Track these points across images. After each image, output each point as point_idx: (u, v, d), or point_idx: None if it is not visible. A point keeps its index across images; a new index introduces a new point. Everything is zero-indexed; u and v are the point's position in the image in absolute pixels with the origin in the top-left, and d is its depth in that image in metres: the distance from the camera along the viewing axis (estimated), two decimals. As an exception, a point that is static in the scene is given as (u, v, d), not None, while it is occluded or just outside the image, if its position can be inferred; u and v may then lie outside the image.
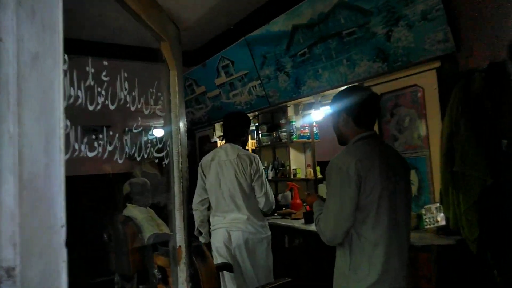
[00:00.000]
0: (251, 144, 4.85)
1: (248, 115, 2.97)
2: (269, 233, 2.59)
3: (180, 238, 1.30)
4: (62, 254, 0.65)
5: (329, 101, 3.24)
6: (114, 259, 3.54)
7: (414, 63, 2.48)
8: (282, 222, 3.07)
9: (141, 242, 3.29)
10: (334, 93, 3.27)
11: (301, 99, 3.44)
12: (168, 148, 1.29)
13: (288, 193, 3.59)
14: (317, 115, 3.32)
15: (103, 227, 3.63)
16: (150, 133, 1.32)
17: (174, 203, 1.26)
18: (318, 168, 3.57)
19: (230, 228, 2.52)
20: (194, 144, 5.27)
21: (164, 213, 4.93)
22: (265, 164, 3.89)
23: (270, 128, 3.86)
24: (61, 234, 0.66)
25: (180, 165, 1.25)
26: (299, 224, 2.93)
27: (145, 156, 1.23)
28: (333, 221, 1.46)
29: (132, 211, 3.48)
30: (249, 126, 2.74)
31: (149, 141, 1.30)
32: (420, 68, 2.48)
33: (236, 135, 2.62)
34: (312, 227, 2.76)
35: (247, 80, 3.82)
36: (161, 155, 1.38)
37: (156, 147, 1.35)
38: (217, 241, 2.57)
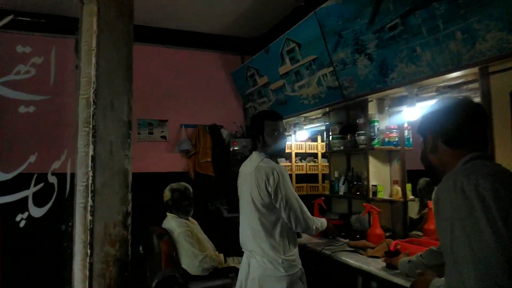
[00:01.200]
0: (320, 147, 4.03)
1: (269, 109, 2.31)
2: (295, 271, 2.01)
3: None
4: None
5: (430, 93, 2.29)
6: (148, 275, 3.07)
7: None
8: (353, 260, 2.22)
9: (173, 262, 2.72)
10: (438, 82, 2.33)
11: (388, 91, 2.52)
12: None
13: (366, 216, 2.70)
14: (411, 113, 2.37)
15: (140, 238, 3.18)
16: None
17: (73, 247, 0.60)
18: (408, 186, 2.62)
19: (249, 256, 2.15)
20: (256, 144, 4.60)
21: (215, 221, 4.36)
22: (336, 175, 3.04)
23: (344, 129, 3.00)
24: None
25: (89, 216, 0.58)
26: (377, 267, 2.06)
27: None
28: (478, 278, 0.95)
29: (171, 222, 2.92)
30: (258, 127, 2.15)
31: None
32: None
33: (253, 140, 2.22)
34: (398, 279, 1.88)
35: (316, 67, 3.00)
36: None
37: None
38: (241, 268, 2.26)
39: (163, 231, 2.78)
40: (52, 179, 0.72)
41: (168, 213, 3.00)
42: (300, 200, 2.03)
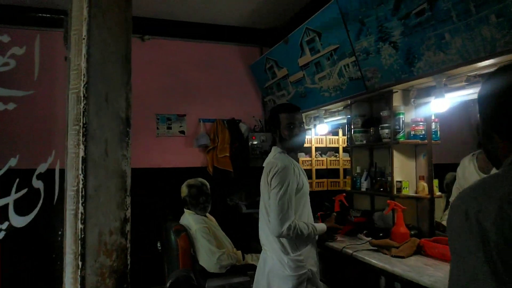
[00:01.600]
0: (341, 141, 3.90)
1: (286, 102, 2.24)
2: (302, 272, 1.95)
3: None
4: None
5: (460, 83, 2.14)
6: (166, 271, 3.05)
7: None
8: (376, 260, 2.11)
9: (191, 259, 2.69)
10: (469, 70, 2.17)
11: (414, 81, 2.38)
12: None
13: (389, 214, 2.58)
14: (439, 105, 2.23)
15: (158, 234, 3.16)
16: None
17: (64, 258, 0.54)
18: (435, 182, 2.48)
19: (264, 251, 2.13)
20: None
21: (234, 217, 4.31)
22: (358, 170, 2.92)
23: (366, 122, 2.86)
24: None
25: (81, 225, 0.51)
26: (402, 268, 1.94)
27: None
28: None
29: (188, 219, 2.89)
30: (275, 121, 2.12)
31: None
32: None
33: (272, 135, 2.20)
34: (424, 280, 1.76)
35: (337, 58, 2.88)
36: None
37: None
38: (258, 263, 2.22)
39: (181, 227, 2.75)
40: (38, 184, 0.66)
41: (185, 209, 2.96)
42: (286, 200, 1.91)
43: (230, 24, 4.30)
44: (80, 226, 0.50)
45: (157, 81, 4.24)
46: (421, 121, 2.49)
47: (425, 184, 2.44)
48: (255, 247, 3.78)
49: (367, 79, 2.70)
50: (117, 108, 0.55)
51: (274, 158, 2.05)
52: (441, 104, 2.20)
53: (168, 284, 2.32)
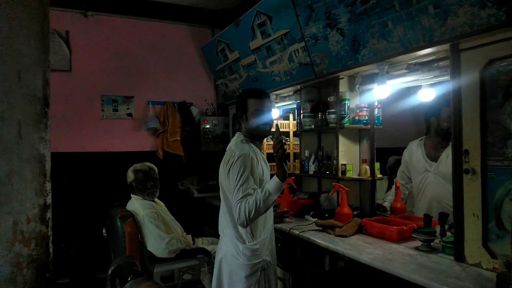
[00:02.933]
0: (292, 126, 3.97)
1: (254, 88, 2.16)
2: (256, 261, 1.96)
3: None
4: None
5: (401, 71, 2.24)
6: (113, 258, 2.97)
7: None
8: (320, 239, 2.20)
9: (138, 245, 2.63)
10: (409, 58, 2.28)
11: (359, 67, 2.46)
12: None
13: (334, 196, 2.68)
14: (381, 91, 2.33)
15: (103, 220, 3.04)
16: None
17: None
18: (377, 165, 2.61)
19: (221, 237, 2.10)
20: (227, 123, 4.49)
21: (185, 202, 4.26)
22: (306, 154, 2.99)
23: (315, 107, 2.93)
24: None
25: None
26: (344, 247, 2.04)
27: None
28: None
29: (135, 204, 2.80)
30: (242, 106, 2.04)
31: None
32: None
33: (238, 120, 2.10)
34: (364, 258, 1.86)
35: (287, 43, 2.89)
36: None
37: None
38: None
39: (127, 213, 2.67)
40: None
41: (132, 195, 2.88)
42: (241, 187, 1.83)
43: (180, 3, 4.16)
44: None
45: (102, 61, 4.02)
46: (365, 107, 2.59)
47: (368, 167, 2.56)
48: (207, 231, 3.80)
49: (315, 64, 2.74)
50: (32, 87, 0.51)
51: (234, 146, 1.98)
52: (384, 90, 2.30)
53: (109, 271, 2.25)
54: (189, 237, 2.98)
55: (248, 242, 1.95)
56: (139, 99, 4.22)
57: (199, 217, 4.10)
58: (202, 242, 3.09)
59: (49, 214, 0.53)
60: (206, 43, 4.20)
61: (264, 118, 1.99)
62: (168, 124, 4.20)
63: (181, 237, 2.82)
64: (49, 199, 0.53)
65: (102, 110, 4.04)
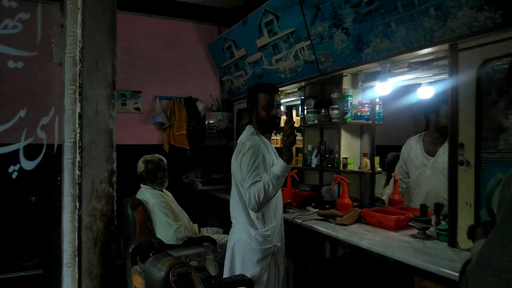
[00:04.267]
0: (296, 121, 4.08)
1: (266, 83, 2.27)
2: (268, 246, 2.09)
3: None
4: None
5: (402, 69, 2.36)
6: (122, 245, 3.09)
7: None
8: (322, 227, 2.32)
9: (148, 232, 2.75)
10: (410, 57, 2.40)
11: (363, 65, 2.58)
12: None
13: (335, 187, 2.80)
14: (383, 88, 2.45)
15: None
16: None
17: (62, 200, 0.62)
18: (377, 159, 2.73)
19: (233, 225, 2.23)
20: (232, 118, 4.61)
21: (189, 194, 4.38)
22: (309, 148, 3.11)
23: (318, 104, 3.05)
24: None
25: (77, 171, 0.58)
26: (345, 234, 2.16)
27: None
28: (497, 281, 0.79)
29: (145, 193, 2.92)
30: (253, 100, 2.15)
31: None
32: None
33: (248, 114, 2.22)
34: (363, 243, 1.99)
35: (293, 41, 3.01)
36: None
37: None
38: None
39: (138, 201, 2.79)
40: (41, 135, 0.74)
41: (142, 185, 2.99)
42: (252, 174, 1.94)
43: (189, 1, 4.27)
44: (77, 172, 0.57)
45: (111, 55, 4.13)
46: (366, 103, 2.72)
47: (368, 161, 2.68)
48: (211, 223, 3.91)
49: (320, 62, 2.86)
50: (105, 73, 0.62)
51: (246, 138, 2.10)
52: (385, 87, 2.42)
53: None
54: (196, 226, 3.10)
55: (260, 229, 2.06)
56: (147, 94, 4.34)
57: (203, 208, 4.22)
58: (207, 232, 3.21)
59: (114, 178, 0.65)
60: (213, 40, 4.32)
61: (274, 113, 2.11)
62: (174, 119, 4.31)
63: (188, 226, 2.94)
64: (115, 166, 0.65)
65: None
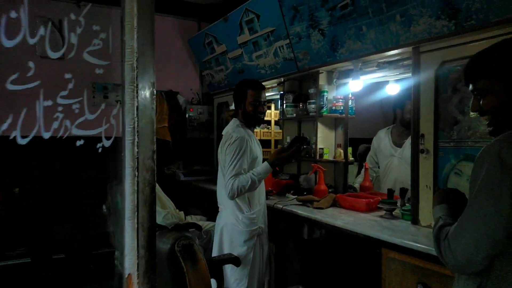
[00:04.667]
0: (273, 115, 4.31)
1: (253, 79, 2.49)
2: (254, 227, 2.34)
3: (130, 263, 0.84)
4: None
5: (372, 68, 2.61)
6: (113, 234, 3.20)
7: (493, 22, 1.82)
8: (301, 211, 2.56)
9: (138, 218, 2.89)
10: (379, 58, 2.66)
11: (337, 64, 2.82)
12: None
13: (312, 176, 3.05)
14: (355, 85, 2.70)
15: (103, 197, 3.26)
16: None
17: (124, 208, 0.81)
18: (350, 149, 3.00)
19: (220, 210, 2.47)
20: (212, 111, 4.77)
21: (171, 185, 4.54)
22: (288, 140, 3.34)
23: (296, 98, 3.28)
24: None
25: (136, 149, 0.77)
26: (321, 216, 2.41)
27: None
28: (474, 242, 1.05)
29: (132, 182, 3.07)
30: (241, 95, 2.37)
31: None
32: (501, 29, 1.81)
33: (236, 107, 2.46)
34: (338, 223, 2.24)
35: (273, 39, 3.22)
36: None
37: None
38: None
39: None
40: (112, 121, 0.96)
41: (129, 174, 3.12)
42: (236, 165, 2.19)
43: (168, -4, 4.38)
44: (136, 150, 0.77)
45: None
46: (340, 98, 2.97)
47: (342, 151, 2.95)
48: (193, 212, 4.09)
49: (298, 60, 3.09)
50: (149, 76, 0.81)
51: (231, 129, 2.31)
52: (357, 84, 2.68)
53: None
54: (182, 213, 3.27)
55: (246, 212, 2.29)
56: (128, 86, 4.42)
57: (186, 198, 4.38)
58: (191, 219, 3.39)
59: (155, 156, 0.84)
60: (194, 35, 4.45)
61: (260, 109, 2.33)
62: (156, 112, 4.42)
63: (175, 213, 3.11)
64: (155, 147, 0.85)
65: (93, 97, 4.21)
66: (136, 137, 0.75)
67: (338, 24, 2.59)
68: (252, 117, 2.34)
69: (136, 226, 0.75)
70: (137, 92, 0.76)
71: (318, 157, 2.97)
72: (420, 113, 2.16)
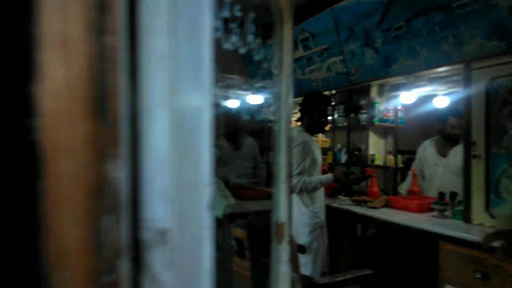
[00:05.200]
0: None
1: (323, 94, 2.81)
2: (317, 221, 2.63)
3: (284, 214, 1.16)
4: (207, 219, 0.51)
5: (423, 82, 2.90)
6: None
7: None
8: (357, 209, 2.84)
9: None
10: (430, 73, 2.95)
11: (389, 78, 3.12)
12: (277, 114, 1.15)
13: (364, 180, 3.32)
14: (406, 97, 2.99)
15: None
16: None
17: (279, 175, 1.12)
18: (399, 157, 3.26)
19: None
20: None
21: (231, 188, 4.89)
22: (338, 147, 3.64)
23: (347, 109, 3.59)
24: (206, 194, 0.51)
25: (287, 133, 1.09)
26: (377, 214, 2.68)
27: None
28: None
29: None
30: (311, 106, 2.65)
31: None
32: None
33: (302, 115, 2.68)
34: (395, 219, 2.51)
35: (327, 56, 3.55)
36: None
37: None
38: None
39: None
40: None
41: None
42: (299, 166, 2.54)
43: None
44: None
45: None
46: (391, 109, 3.26)
47: (392, 157, 3.22)
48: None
49: (351, 74, 3.40)
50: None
51: (296, 134, 2.64)
52: (409, 97, 2.96)
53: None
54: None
55: (309, 207, 2.60)
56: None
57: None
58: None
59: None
60: (246, 51, 4.84)
61: (325, 122, 2.68)
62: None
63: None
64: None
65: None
66: (287, 125, 1.09)
67: (393, 43, 2.90)
68: (318, 127, 2.68)
69: (287, 187, 1.08)
70: (289, 95, 1.09)
71: (369, 162, 3.24)
72: (472, 123, 2.42)
